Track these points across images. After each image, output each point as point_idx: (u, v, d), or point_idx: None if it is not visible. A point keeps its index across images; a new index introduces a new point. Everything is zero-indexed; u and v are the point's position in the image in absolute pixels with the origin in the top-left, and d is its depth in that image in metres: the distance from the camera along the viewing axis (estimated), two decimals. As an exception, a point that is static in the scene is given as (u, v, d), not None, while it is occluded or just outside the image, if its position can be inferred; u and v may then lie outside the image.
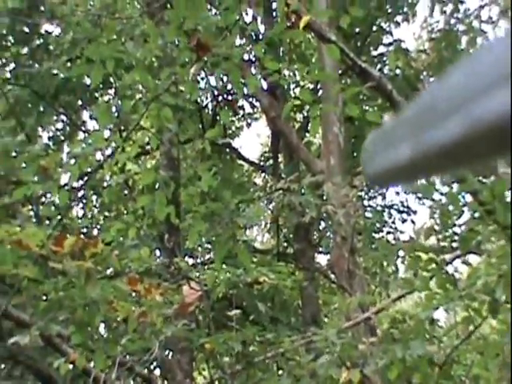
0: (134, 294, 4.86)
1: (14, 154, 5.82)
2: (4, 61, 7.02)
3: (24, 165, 5.23)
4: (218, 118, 7.73)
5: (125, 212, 7.73)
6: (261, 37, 7.39)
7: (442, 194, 5.03)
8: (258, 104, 9.15)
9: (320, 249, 10.64)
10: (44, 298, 5.05)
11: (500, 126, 0.39)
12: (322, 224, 10.42)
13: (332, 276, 9.18)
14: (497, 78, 0.39)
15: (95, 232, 7.52)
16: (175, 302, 5.04)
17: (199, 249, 8.86)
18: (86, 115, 7.73)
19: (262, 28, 8.05)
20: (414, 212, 10.99)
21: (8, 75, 7.10)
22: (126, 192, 7.40)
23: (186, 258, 7.71)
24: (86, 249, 4.59)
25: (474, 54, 0.42)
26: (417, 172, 0.48)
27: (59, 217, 6.09)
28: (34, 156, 4.81)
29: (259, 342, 5.40)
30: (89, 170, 5.36)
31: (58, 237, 4.31)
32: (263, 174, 11.14)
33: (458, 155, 0.43)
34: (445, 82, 0.44)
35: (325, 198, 6.96)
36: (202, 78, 6.13)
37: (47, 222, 6.45)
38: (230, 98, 7.79)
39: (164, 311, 4.86)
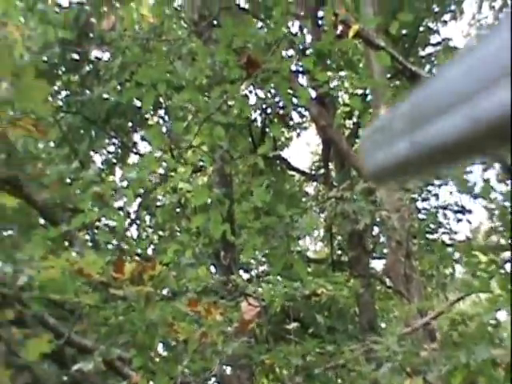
0: (192, 314, 4.84)
1: (68, 180, 5.88)
2: (56, 89, 7.09)
3: (79, 191, 5.26)
4: (267, 130, 7.69)
5: (178, 230, 7.72)
6: (307, 44, 7.33)
7: (498, 192, 4.95)
8: (306, 113, 9.11)
9: (374, 254, 10.51)
10: (105, 323, 5.05)
11: (500, 125, 0.38)
12: (376, 229, 10.29)
13: (388, 281, 9.08)
14: (496, 74, 0.38)
15: (150, 251, 7.53)
16: (234, 320, 5.00)
17: (253, 261, 8.81)
18: (136, 137, 7.77)
19: (307, 36, 8.04)
20: (469, 211, 10.76)
21: (60, 103, 7.17)
22: (178, 210, 7.39)
23: (241, 272, 7.67)
24: (145, 272, 4.58)
25: (473, 47, 0.41)
26: (416, 168, 0.48)
27: (115, 241, 6.12)
28: (88, 182, 4.82)
29: (318, 353, 5.33)
30: (141, 190, 5.36)
31: (117, 263, 4.31)
32: (314, 183, 11.06)
33: (456, 152, 0.43)
34: (442, 76, 0.44)
35: (378, 203, 6.88)
36: (250, 92, 6.11)
37: (104, 245, 6.46)
38: (279, 109, 7.75)
39: (224, 329, 4.82)
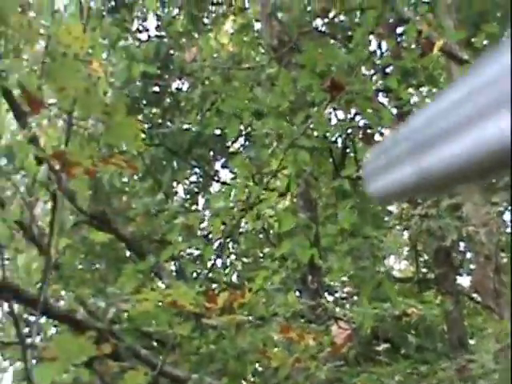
0: (284, 340, 4.80)
1: (153, 211, 5.94)
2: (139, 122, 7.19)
3: (164, 223, 5.32)
4: (347, 150, 7.62)
5: (261, 256, 7.68)
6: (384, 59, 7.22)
7: None
8: (387, 131, 8.97)
9: (461, 270, 10.29)
10: (196, 352, 5.06)
11: (501, 153, 0.38)
12: (462, 245, 10.08)
13: (476, 296, 8.90)
14: (496, 101, 0.38)
15: (234, 278, 7.52)
16: (325, 344, 4.94)
17: (337, 283, 8.72)
18: (217, 165, 7.80)
19: (386, 53, 7.90)
20: (560, 222, 10.40)
21: (143, 136, 7.26)
22: (261, 236, 7.36)
23: (325, 294, 7.58)
24: (235, 300, 4.57)
25: (474, 72, 0.41)
26: (420, 192, 0.50)
27: (199, 269, 6.14)
28: (173, 213, 4.86)
29: (409, 373, 5.22)
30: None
31: (209, 293, 4.31)
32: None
33: (459, 178, 0.43)
34: (442, 100, 0.43)
35: (464, 218, 6.74)
36: (330, 113, 6.07)
37: (189, 274, 6.49)
38: (361, 129, 7.66)
39: (316, 354, 4.77)
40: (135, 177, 6.91)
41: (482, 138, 0.39)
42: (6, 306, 6.33)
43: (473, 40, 4.15)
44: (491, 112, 0.39)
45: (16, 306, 4.21)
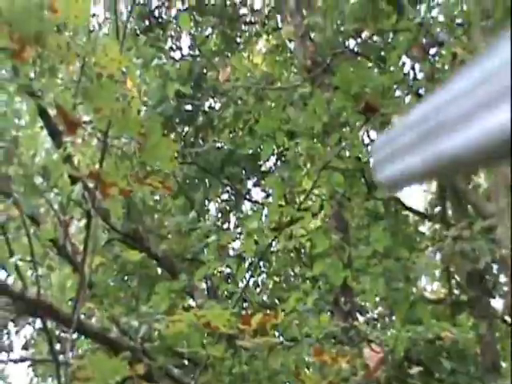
0: (317, 362, 4.77)
1: (185, 229, 5.95)
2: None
3: (196, 241, 5.33)
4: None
5: (292, 275, 7.66)
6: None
7: None
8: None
9: (494, 293, 10.16)
10: (228, 372, 5.03)
11: (500, 145, 0.39)
12: (495, 267, 9.97)
13: (509, 320, 8.82)
14: (496, 94, 0.39)
15: (265, 297, 7.49)
16: (358, 366, 4.90)
17: (367, 303, 8.65)
18: (249, 183, 7.78)
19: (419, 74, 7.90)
20: None
21: (175, 154, 7.26)
22: (292, 255, 7.33)
23: (357, 315, 7.52)
24: (268, 321, 4.55)
25: (478, 60, 0.42)
26: (427, 178, 0.51)
27: (230, 288, 6.11)
28: (205, 232, 4.87)
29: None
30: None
31: (243, 315, 4.29)
32: (429, 223, 10.78)
33: (465, 164, 0.44)
34: (445, 92, 0.45)
35: (497, 240, 6.68)
36: (362, 133, 6.03)
37: (221, 293, 6.48)
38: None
39: (348, 376, 4.73)
40: (167, 195, 6.94)
41: (484, 129, 0.40)
42: (38, 322, 6.38)
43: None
44: (492, 105, 0.40)
45: (48, 323, 4.22)
